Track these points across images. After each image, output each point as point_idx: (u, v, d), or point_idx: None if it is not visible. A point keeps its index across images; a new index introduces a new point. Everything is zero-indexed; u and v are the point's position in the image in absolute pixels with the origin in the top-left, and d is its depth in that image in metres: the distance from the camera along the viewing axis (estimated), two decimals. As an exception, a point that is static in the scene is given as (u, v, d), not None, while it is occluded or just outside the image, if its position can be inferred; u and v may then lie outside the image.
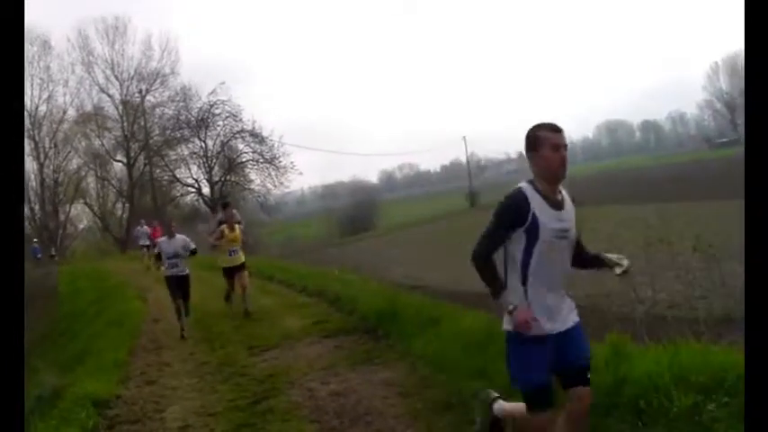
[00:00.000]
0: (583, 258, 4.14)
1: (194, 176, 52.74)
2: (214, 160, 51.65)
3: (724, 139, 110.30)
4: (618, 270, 4.04)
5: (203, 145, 51.45)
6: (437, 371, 7.21)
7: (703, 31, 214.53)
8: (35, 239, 40.64)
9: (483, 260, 3.86)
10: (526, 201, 3.78)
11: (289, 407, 6.86)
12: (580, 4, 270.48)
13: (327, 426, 6.23)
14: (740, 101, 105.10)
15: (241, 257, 13.14)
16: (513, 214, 3.79)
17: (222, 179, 51.71)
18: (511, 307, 3.77)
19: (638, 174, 72.32)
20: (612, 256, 4.10)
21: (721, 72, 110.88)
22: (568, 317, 3.97)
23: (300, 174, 54.82)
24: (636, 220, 20.98)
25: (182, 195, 54.24)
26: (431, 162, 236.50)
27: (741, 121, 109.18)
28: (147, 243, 26.88)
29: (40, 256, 40.58)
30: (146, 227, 28.61)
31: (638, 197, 35.60)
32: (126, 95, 54.72)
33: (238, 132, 50.65)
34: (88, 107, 54.72)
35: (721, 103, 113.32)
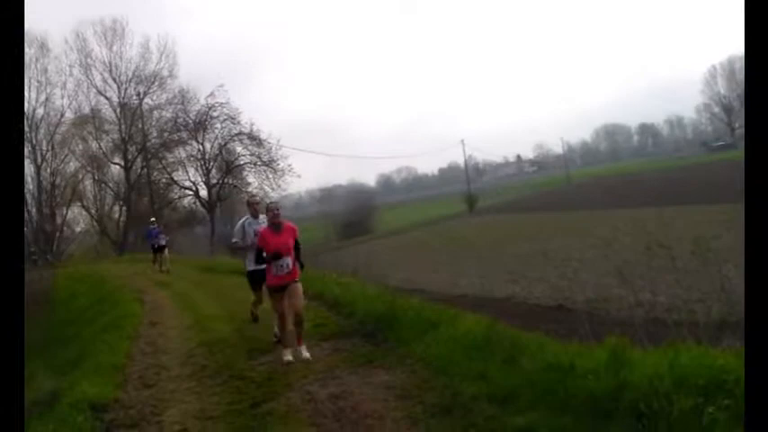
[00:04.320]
0: None
1: (192, 179, 52.86)
2: (212, 163, 51.74)
3: (721, 143, 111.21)
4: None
5: (201, 148, 51.60)
6: (436, 374, 7.19)
7: (701, 35, 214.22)
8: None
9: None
10: None
11: (288, 410, 6.84)
12: (578, 5, 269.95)
13: (326, 429, 6.23)
14: (737, 105, 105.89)
15: None
16: None
17: (220, 182, 51.73)
18: None
19: (637, 178, 72.42)
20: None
21: (719, 76, 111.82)
22: None
23: (298, 176, 54.86)
24: (635, 225, 21.00)
25: (179, 198, 54.34)
26: (429, 165, 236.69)
27: (738, 124, 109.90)
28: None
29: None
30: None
31: (636, 201, 35.67)
32: (124, 98, 54.67)
33: (236, 135, 50.77)
34: (86, 110, 54.62)
35: (719, 107, 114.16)
